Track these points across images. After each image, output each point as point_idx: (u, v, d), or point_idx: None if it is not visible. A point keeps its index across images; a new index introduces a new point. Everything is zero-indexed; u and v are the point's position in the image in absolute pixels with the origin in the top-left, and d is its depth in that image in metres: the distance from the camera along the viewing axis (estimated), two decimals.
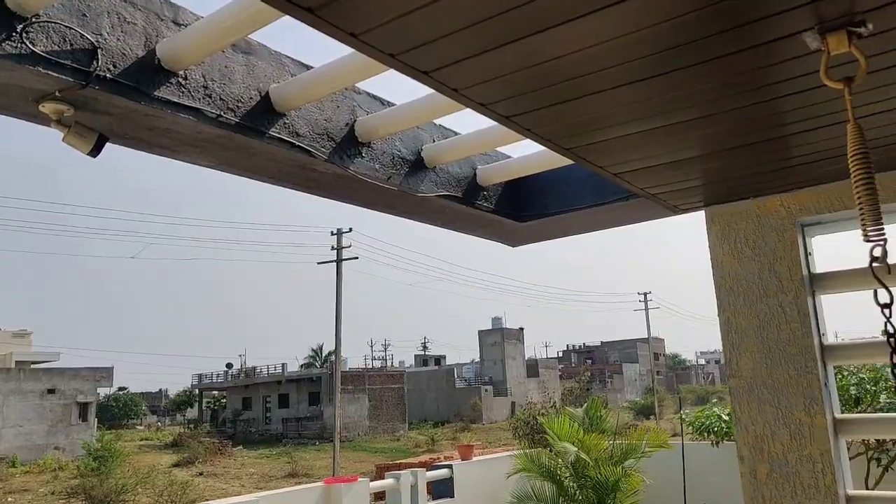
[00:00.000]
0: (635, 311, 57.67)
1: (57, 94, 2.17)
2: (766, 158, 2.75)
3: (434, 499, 7.51)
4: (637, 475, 7.73)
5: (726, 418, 7.92)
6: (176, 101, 2.34)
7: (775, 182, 3.04)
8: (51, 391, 35.69)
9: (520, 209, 3.77)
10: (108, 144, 2.51)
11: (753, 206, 3.22)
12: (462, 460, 8.20)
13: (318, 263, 27.42)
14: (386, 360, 67.80)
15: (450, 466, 7.83)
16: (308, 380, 48.59)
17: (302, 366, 60.41)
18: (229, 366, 58.40)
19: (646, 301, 53.96)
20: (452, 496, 7.57)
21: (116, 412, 58.97)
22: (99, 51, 2.16)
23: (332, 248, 25.96)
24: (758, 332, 3.14)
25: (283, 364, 52.36)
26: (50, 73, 2.07)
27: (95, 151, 2.30)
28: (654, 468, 8.67)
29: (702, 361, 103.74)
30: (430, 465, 8.26)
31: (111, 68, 2.19)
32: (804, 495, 2.94)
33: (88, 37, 2.16)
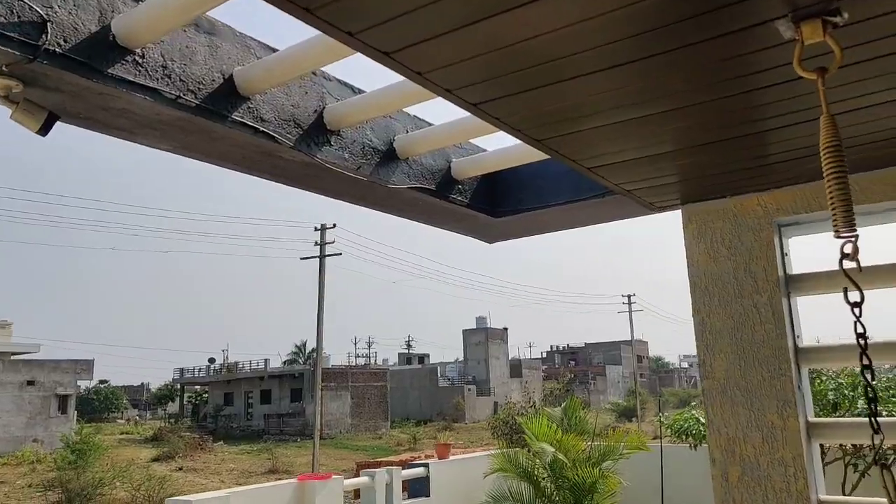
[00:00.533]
0: (619, 314, 57.86)
1: (3, 68, 2.07)
2: (742, 155, 2.70)
3: (410, 497, 7.43)
4: (614, 477, 7.69)
5: (704, 421, 7.91)
6: (132, 79, 2.24)
7: (752, 181, 2.99)
8: (30, 383, 35.26)
9: (495, 204, 3.70)
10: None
11: (730, 204, 3.17)
12: (439, 459, 8.13)
13: (301, 259, 27.28)
14: (370, 357, 67.69)
15: (426, 465, 7.75)
16: (290, 376, 48.32)
17: (285, 362, 60.07)
18: (212, 360, 58.00)
19: (629, 303, 54.19)
20: (428, 495, 7.49)
21: (97, 405, 58.38)
22: (48, 24, 2.06)
23: (316, 243, 25.81)
24: (732, 333, 3.09)
25: (265, 360, 52.12)
26: None
27: (44, 130, 2.20)
28: (632, 470, 8.64)
29: (685, 365, 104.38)
30: (406, 464, 8.17)
31: (61, 43, 2.09)
32: (775, 499, 2.89)
33: (37, 9, 2.05)
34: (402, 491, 7.32)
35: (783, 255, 3.11)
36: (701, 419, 7.98)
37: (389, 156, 3.12)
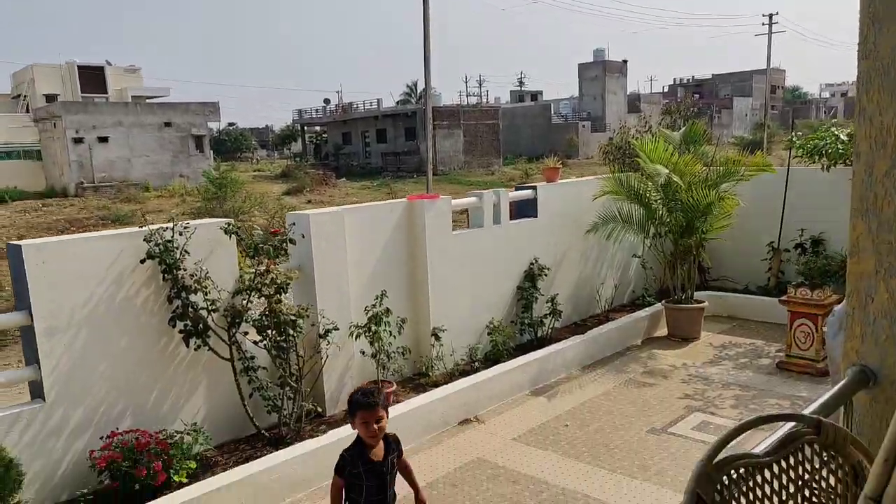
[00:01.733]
0: (757, 37, 51.66)
1: None
2: None
3: (517, 218, 7.55)
4: (732, 198, 7.38)
5: (845, 139, 7.17)
6: None
7: None
8: (167, 124, 38.16)
9: None
10: None
11: None
12: (547, 182, 8.06)
13: None
14: (481, 96, 66.72)
15: (533, 188, 7.73)
16: (404, 115, 49.10)
17: (398, 102, 60.74)
18: (327, 101, 59.65)
19: (770, 24, 48.24)
20: (536, 216, 7.58)
21: (229, 145, 63.16)
22: None
23: None
24: None
25: (378, 100, 52.82)
26: None
27: None
28: (752, 193, 8.25)
29: (826, 95, 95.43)
30: (514, 187, 8.20)
31: None
32: None
33: None
34: (511, 213, 7.43)
35: None
36: (841, 136, 7.24)
37: None
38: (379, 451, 3.06)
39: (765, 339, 7.79)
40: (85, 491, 4.25)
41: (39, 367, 4.33)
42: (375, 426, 2.98)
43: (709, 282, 9.28)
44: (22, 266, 4.30)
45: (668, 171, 7.18)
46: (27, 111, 42.90)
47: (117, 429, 4.50)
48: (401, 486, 3.24)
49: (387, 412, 3.08)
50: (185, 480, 4.34)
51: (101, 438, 4.41)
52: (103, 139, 35.80)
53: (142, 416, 4.72)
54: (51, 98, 42.83)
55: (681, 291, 7.95)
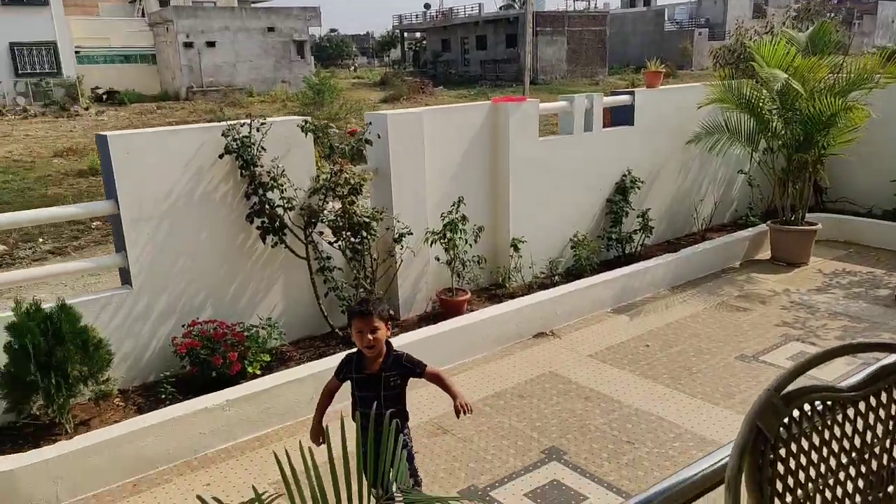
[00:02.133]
0: None
1: None
2: None
3: (611, 125, 7.04)
4: (862, 109, 6.50)
5: None
6: None
7: None
8: (270, 29, 38.51)
9: None
10: None
11: None
12: (648, 88, 7.41)
13: None
14: (589, 0, 62.59)
15: (631, 93, 7.13)
16: (505, 21, 47.03)
17: (500, 7, 58.14)
18: (427, 7, 57.99)
19: None
20: (632, 124, 7.03)
21: (330, 52, 63.29)
22: None
23: None
24: None
25: (479, 4, 50.74)
26: None
27: None
28: (888, 104, 7.28)
29: None
30: (610, 92, 7.61)
31: None
32: None
33: None
34: (605, 120, 6.92)
35: None
36: None
37: None
38: (375, 365, 2.91)
39: (886, 268, 7.04)
40: (168, 374, 4.48)
41: (126, 255, 4.52)
42: (370, 336, 2.83)
43: (825, 203, 8.44)
44: (109, 157, 4.41)
45: (786, 75, 6.38)
46: (143, 15, 44.44)
47: (198, 318, 4.69)
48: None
49: (386, 324, 2.89)
50: (258, 372, 4.49)
51: (183, 326, 4.60)
52: (211, 44, 36.70)
53: (221, 308, 4.88)
54: (164, 2, 44.04)
55: (790, 212, 7.26)
